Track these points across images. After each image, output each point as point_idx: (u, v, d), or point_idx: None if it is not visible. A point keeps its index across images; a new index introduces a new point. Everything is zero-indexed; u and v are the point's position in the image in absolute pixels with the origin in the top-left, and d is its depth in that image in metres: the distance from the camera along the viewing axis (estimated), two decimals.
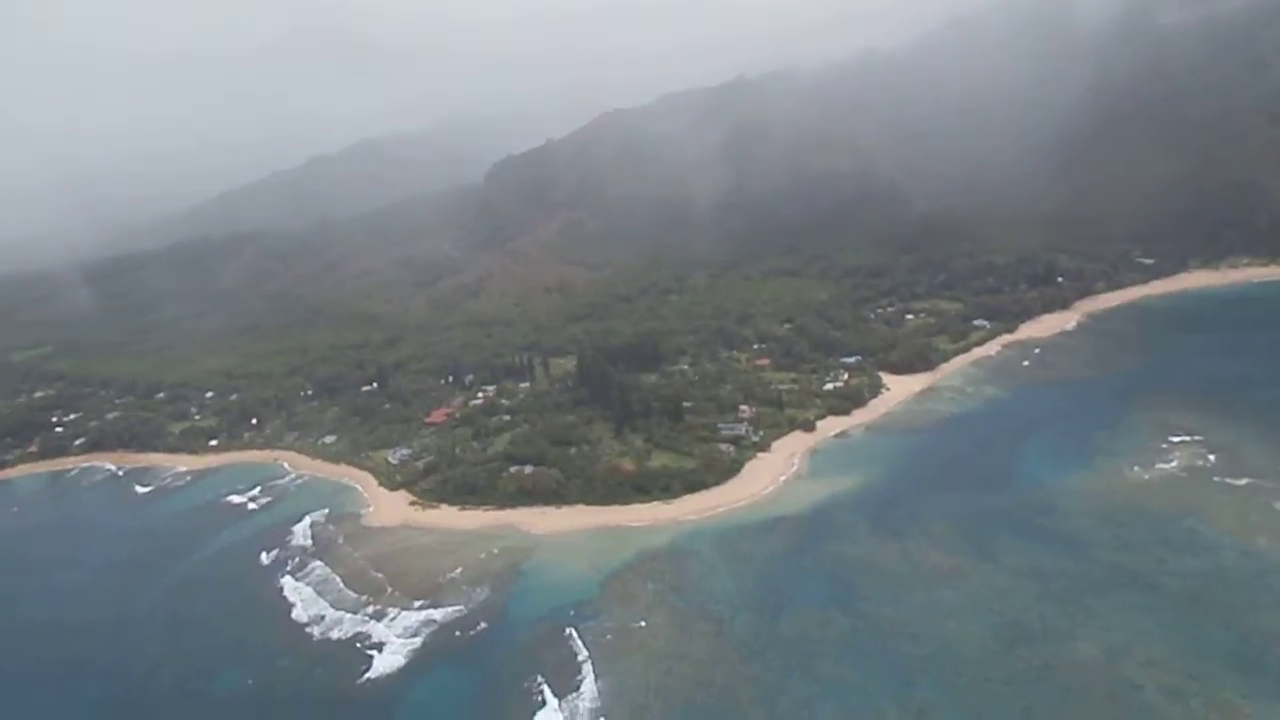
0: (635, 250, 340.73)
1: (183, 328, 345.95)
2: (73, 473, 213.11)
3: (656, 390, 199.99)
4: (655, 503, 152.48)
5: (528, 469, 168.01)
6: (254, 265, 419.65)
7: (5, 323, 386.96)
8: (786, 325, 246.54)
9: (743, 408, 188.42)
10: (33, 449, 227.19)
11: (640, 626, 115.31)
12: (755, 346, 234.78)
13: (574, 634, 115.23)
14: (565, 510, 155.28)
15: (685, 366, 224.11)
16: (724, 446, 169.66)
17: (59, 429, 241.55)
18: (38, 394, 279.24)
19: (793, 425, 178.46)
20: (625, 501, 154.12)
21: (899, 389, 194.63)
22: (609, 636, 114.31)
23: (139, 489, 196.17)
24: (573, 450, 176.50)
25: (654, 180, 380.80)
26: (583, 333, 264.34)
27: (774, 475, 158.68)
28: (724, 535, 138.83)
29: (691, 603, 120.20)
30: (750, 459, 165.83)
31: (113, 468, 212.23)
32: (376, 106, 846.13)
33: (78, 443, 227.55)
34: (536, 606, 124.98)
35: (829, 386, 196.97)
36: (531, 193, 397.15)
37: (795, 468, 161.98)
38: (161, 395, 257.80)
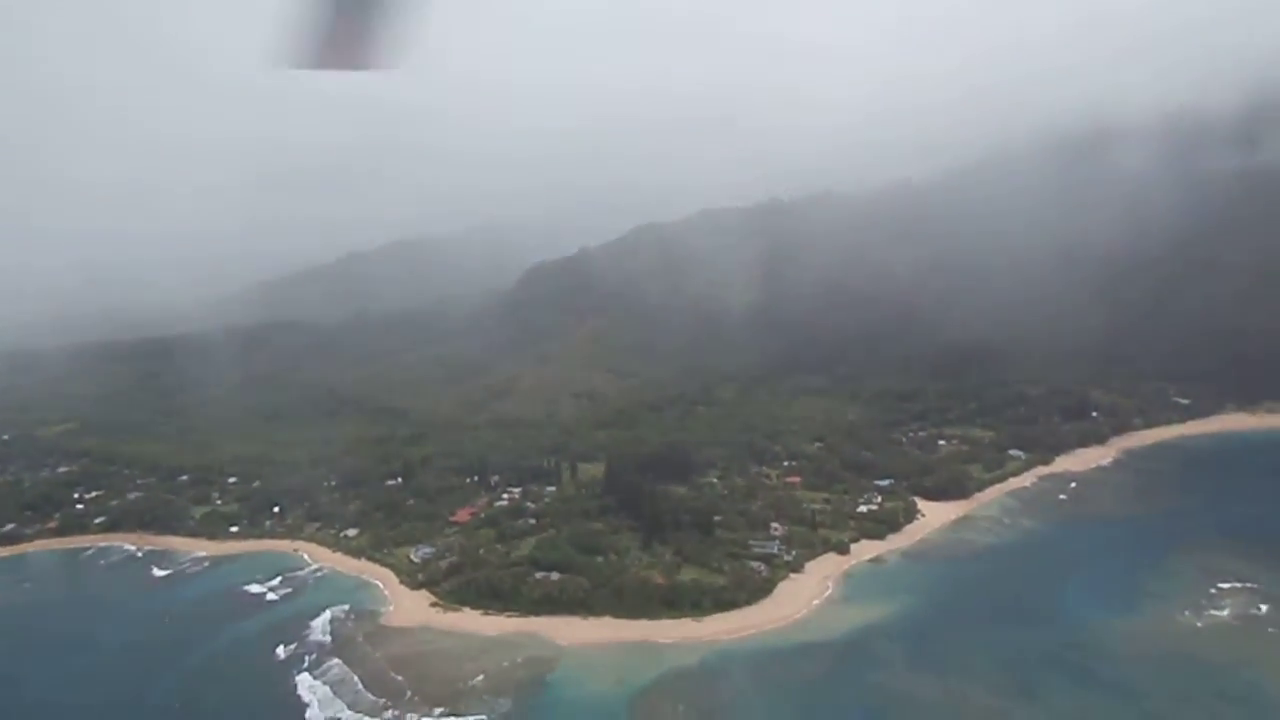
0: (665, 361, 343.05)
1: (209, 411, 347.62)
2: (89, 551, 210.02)
3: (686, 502, 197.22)
4: (685, 619, 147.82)
5: (554, 576, 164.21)
6: (286, 354, 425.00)
7: (36, 397, 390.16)
8: (817, 444, 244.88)
9: (774, 525, 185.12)
10: (51, 525, 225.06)
11: None
12: (785, 463, 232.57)
13: None
14: (592, 621, 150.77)
15: (715, 479, 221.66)
16: (755, 564, 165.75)
17: (79, 506, 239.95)
18: (61, 469, 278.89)
19: (826, 546, 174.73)
20: (654, 616, 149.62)
21: (934, 516, 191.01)
22: None
23: (156, 572, 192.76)
24: (599, 559, 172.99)
25: (687, 293, 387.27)
26: (610, 440, 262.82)
27: (808, 598, 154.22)
28: (757, 659, 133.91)
29: None
30: (783, 579, 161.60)
31: (131, 548, 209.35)
32: (412, 207, 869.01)
33: (98, 521, 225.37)
34: None
35: (862, 509, 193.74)
36: (564, 299, 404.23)
37: (830, 591, 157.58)
38: (184, 478, 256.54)
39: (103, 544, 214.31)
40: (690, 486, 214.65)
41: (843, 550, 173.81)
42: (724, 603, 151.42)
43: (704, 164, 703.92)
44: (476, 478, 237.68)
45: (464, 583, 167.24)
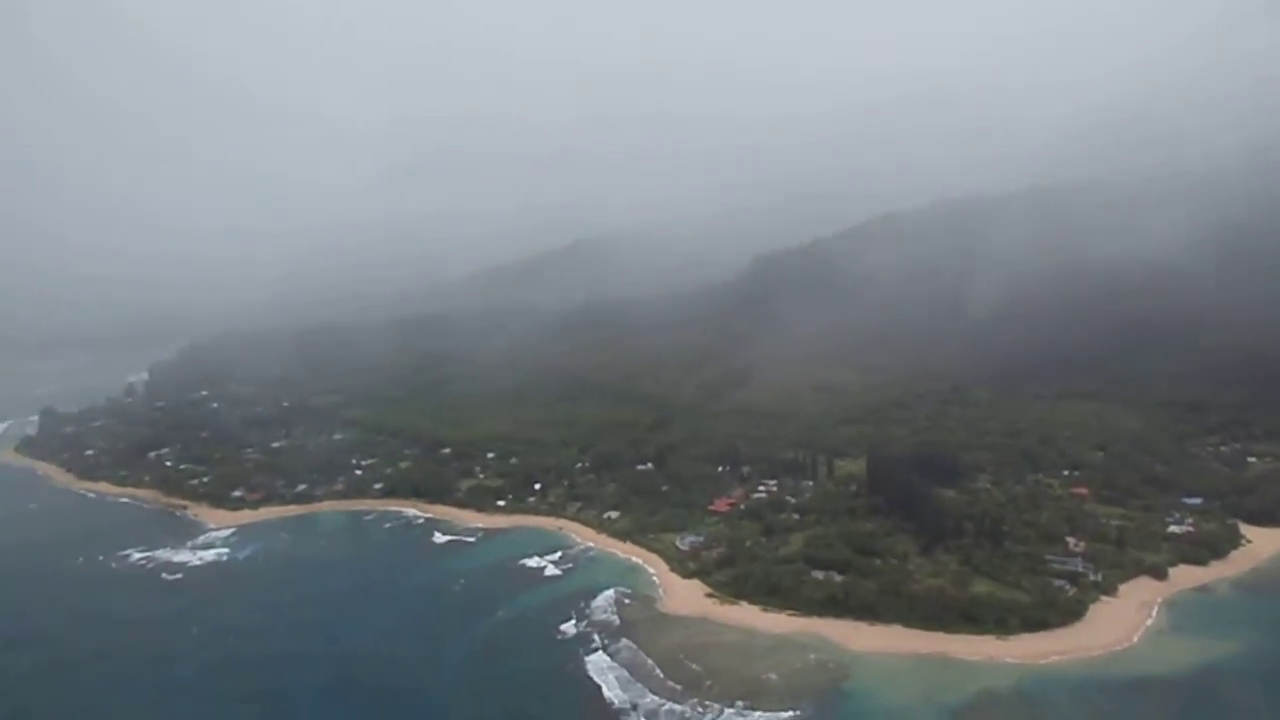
0: (907, 356, 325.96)
1: (458, 389, 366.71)
2: (371, 515, 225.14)
3: (964, 509, 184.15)
4: (987, 636, 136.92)
5: (836, 576, 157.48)
6: (524, 337, 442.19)
7: (307, 370, 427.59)
8: (1099, 453, 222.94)
9: (1070, 540, 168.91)
10: (338, 487, 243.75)
11: None
12: (1065, 473, 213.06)
13: None
14: (880, 628, 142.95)
15: (988, 485, 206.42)
16: (1058, 582, 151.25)
17: (358, 471, 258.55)
18: (337, 436, 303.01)
19: (1138, 569, 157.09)
20: (951, 629, 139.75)
21: (1263, 543, 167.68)
22: None
23: (437, 538, 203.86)
24: (877, 561, 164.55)
25: (928, 286, 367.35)
26: (860, 436, 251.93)
27: (1129, 625, 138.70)
28: (1082, 688, 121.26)
29: None
30: (1093, 601, 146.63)
31: (410, 514, 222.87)
32: (640, 194, 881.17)
33: (376, 486, 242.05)
34: None
35: (1174, 529, 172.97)
36: (797, 289, 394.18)
37: (1153, 620, 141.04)
38: (447, 451, 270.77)
39: (383, 508, 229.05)
40: (960, 491, 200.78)
41: (1159, 574, 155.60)
42: (1031, 622, 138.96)
43: (945, 149, 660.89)
44: (727, 468, 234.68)
45: (738, 576, 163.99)
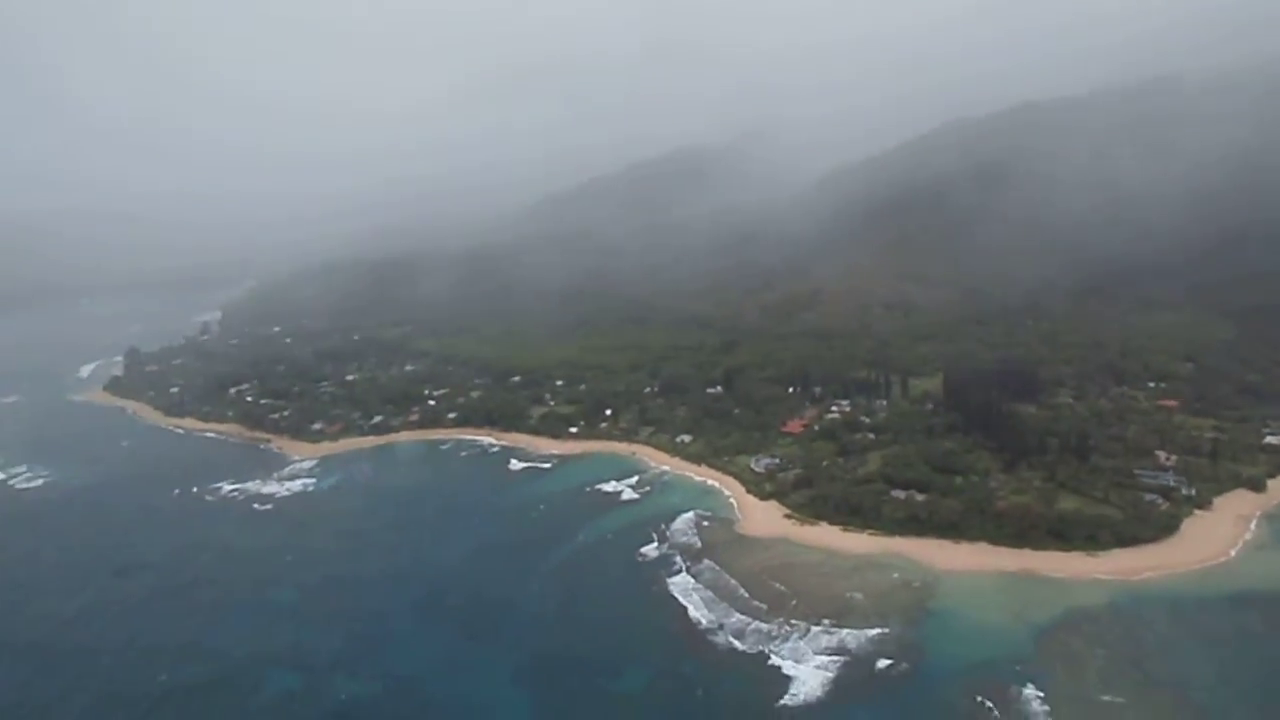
0: (980, 270, 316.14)
1: (523, 317, 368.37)
2: (447, 445, 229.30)
3: (1046, 424, 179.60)
4: (1076, 553, 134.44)
5: (919, 496, 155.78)
6: (583, 263, 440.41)
7: (374, 303, 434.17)
8: (1188, 364, 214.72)
9: (1160, 454, 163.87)
10: (413, 417, 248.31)
11: (1110, 702, 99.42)
12: (1150, 384, 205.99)
13: (1027, 695, 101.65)
14: (964, 546, 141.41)
15: (1070, 400, 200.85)
16: (1149, 497, 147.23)
17: (431, 402, 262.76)
18: (408, 368, 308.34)
19: (1235, 482, 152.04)
20: (1038, 546, 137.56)
21: None
22: (1070, 707, 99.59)
23: (514, 465, 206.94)
24: (958, 480, 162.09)
25: (999, 196, 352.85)
26: (934, 353, 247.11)
27: (1226, 539, 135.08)
28: (1179, 605, 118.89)
29: (1163, 683, 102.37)
30: (1187, 515, 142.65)
31: (485, 442, 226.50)
32: (695, 115, 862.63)
33: (450, 416, 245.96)
34: (961, 653, 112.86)
35: (1270, 440, 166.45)
36: (864, 204, 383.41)
37: (1251, 533, 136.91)
38: (516, 379, 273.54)
39: (458, 437, 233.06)
40: (1041, 406, 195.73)
41: (1256, 487, 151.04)
42: (1123, 538, 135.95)
43: (1019, 49, 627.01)
44: (797, 388, 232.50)
45: (815, 496, 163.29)
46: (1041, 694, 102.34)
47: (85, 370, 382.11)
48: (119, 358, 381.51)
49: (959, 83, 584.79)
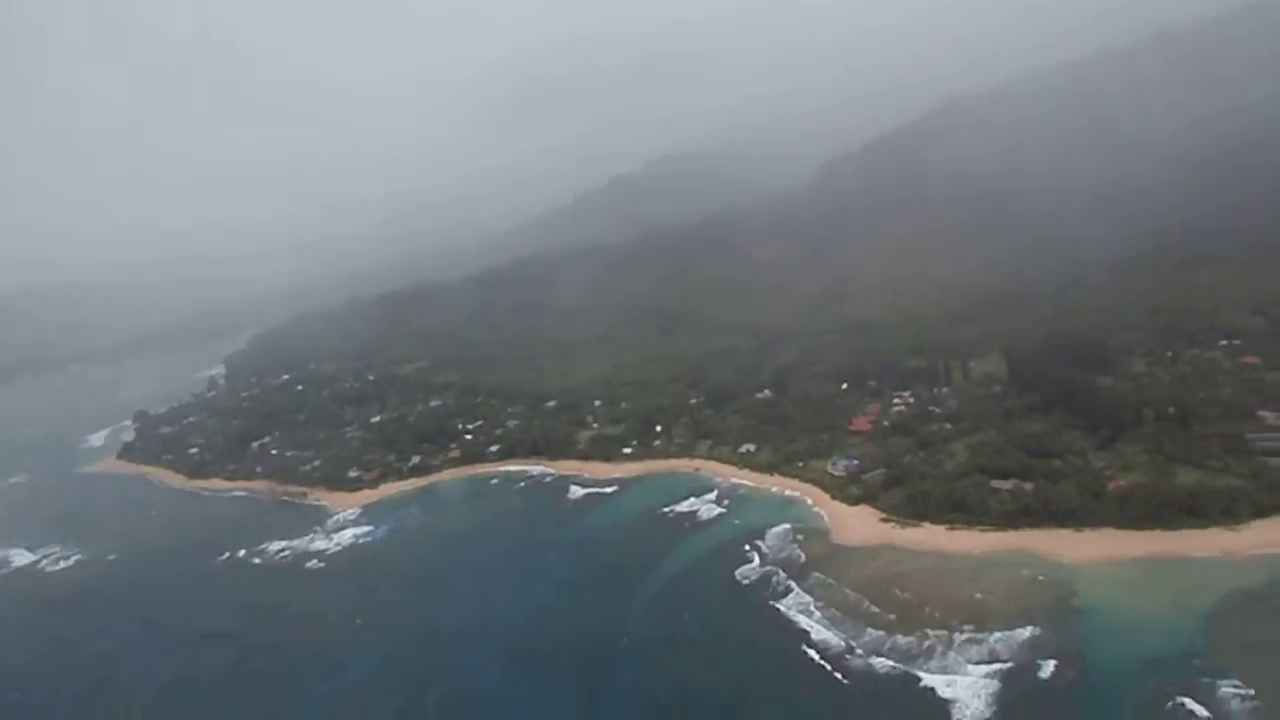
0: (1009, 244, 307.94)
1: (541, 338, 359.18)
2: (496, 479, 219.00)
3: (1136, 394, 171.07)
4: (1215, 529, 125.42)
5: (1026, 485, 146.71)
6: (590, 278, 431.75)
7: (382, 340, 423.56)
8: (1258, 318, 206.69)
9: (1263, 414, 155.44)
10: (454, 454, 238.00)
11: None
12: (1224, 343, 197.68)
13: (1226, 692, 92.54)
14: (1089, 534, 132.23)
15: (1143, 368, 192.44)
16: (1274, 461, 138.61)
17: (468, 436, 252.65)
18: (434, 403, 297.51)
19: None
20: (1169, 526, 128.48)
21: None
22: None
23: (571, 495, 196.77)
24: (1057, 463, 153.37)
25: (1017, 168, 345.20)
26: (981, 333, 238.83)
27: None
28: None
29: None
30: None
31: (536, 472, 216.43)
32: (669, 123, 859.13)
33: (492, 449, 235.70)
34: (1128, 652, 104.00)
35: None
36: (875, 188, 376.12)
37: None
38: (552, 403, 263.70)
39: (505, 470, 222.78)
40: (1117, 377, 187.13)
41: None
42: (1260, 508, 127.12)
43: (1014, 23, 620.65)
44: (851, 384, 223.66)
45: (911, 496, 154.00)
46: (1239, 687, 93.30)
47: (92, 439, 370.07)
48: (127, 422, 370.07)
49: (953, 62, 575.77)
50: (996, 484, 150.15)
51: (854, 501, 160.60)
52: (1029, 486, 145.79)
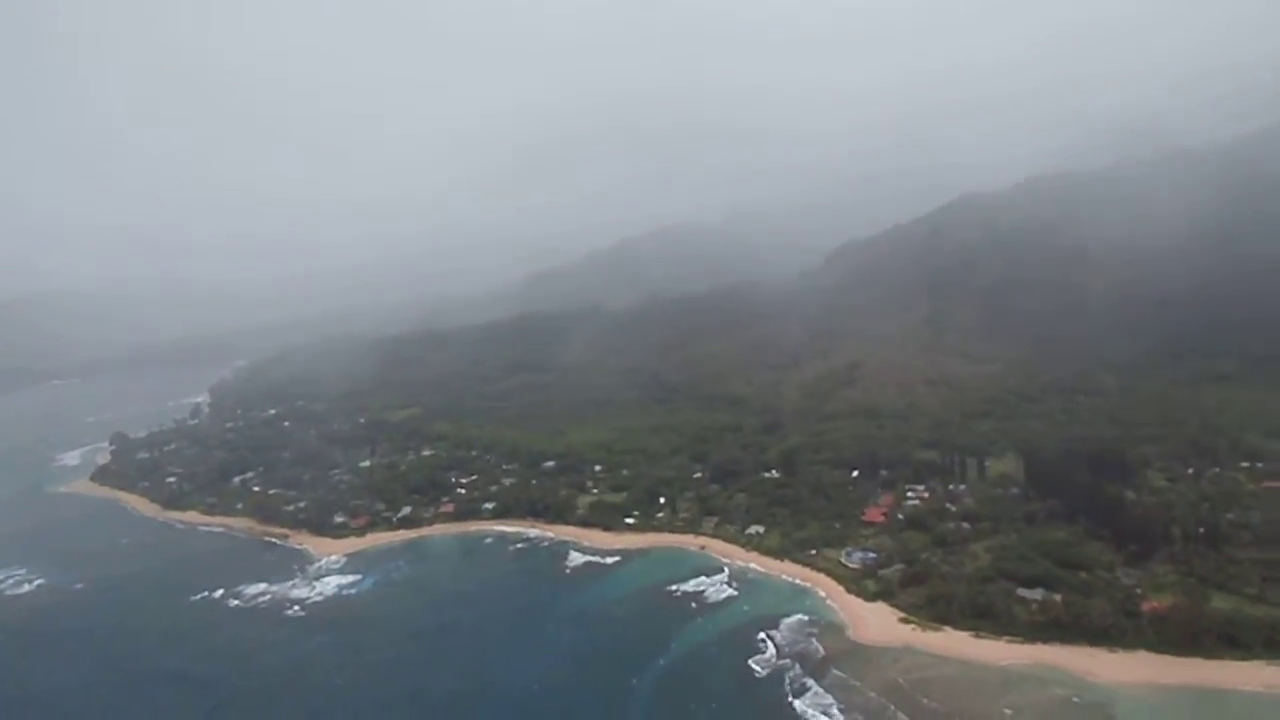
0: (1015, 343, 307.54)
1: (541, 397, 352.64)
2: (490, 539, 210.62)
3: (1161, 510, 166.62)
4: (1258, 662, 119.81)
5: (1055, 597, 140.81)
6: (593, 340, 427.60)
7: (375, 383, 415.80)
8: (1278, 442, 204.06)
9: None
10: (446, 509, 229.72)
11: None
12: (1246, 465, 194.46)
13: None
14: (1123, 656, 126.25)
15: (1163, 482, 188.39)
16: None
17: (460, 490, 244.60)
18: (426, 453, 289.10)
19: None
20: (1210, 655, 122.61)
21: None
22: None
23: (571, 561, 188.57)
24: (1083, 575, 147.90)
25: (1027, 268, 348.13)
26: (994, 431, 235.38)
27: None
28: None
29: None
30: None
31: (534, 535, 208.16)
32: (678, 192, 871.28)
33: (487, 506, 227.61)
34: None
35: None
36: (882, 278, 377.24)
37: None
38: (550, 464, 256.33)
39: (499, 530, 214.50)
40: (1138, 489, 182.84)
41: None
42: None
43: (1025, 132, 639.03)
44: (859, 472, 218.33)
45: (933, 597, 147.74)
46: None
47: (65, 458, 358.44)
48: (104, 444, 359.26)
49: (961, 160, 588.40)
50: (1023, 592, 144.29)
51: (871, 597, 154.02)
52: (1058, 598, 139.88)
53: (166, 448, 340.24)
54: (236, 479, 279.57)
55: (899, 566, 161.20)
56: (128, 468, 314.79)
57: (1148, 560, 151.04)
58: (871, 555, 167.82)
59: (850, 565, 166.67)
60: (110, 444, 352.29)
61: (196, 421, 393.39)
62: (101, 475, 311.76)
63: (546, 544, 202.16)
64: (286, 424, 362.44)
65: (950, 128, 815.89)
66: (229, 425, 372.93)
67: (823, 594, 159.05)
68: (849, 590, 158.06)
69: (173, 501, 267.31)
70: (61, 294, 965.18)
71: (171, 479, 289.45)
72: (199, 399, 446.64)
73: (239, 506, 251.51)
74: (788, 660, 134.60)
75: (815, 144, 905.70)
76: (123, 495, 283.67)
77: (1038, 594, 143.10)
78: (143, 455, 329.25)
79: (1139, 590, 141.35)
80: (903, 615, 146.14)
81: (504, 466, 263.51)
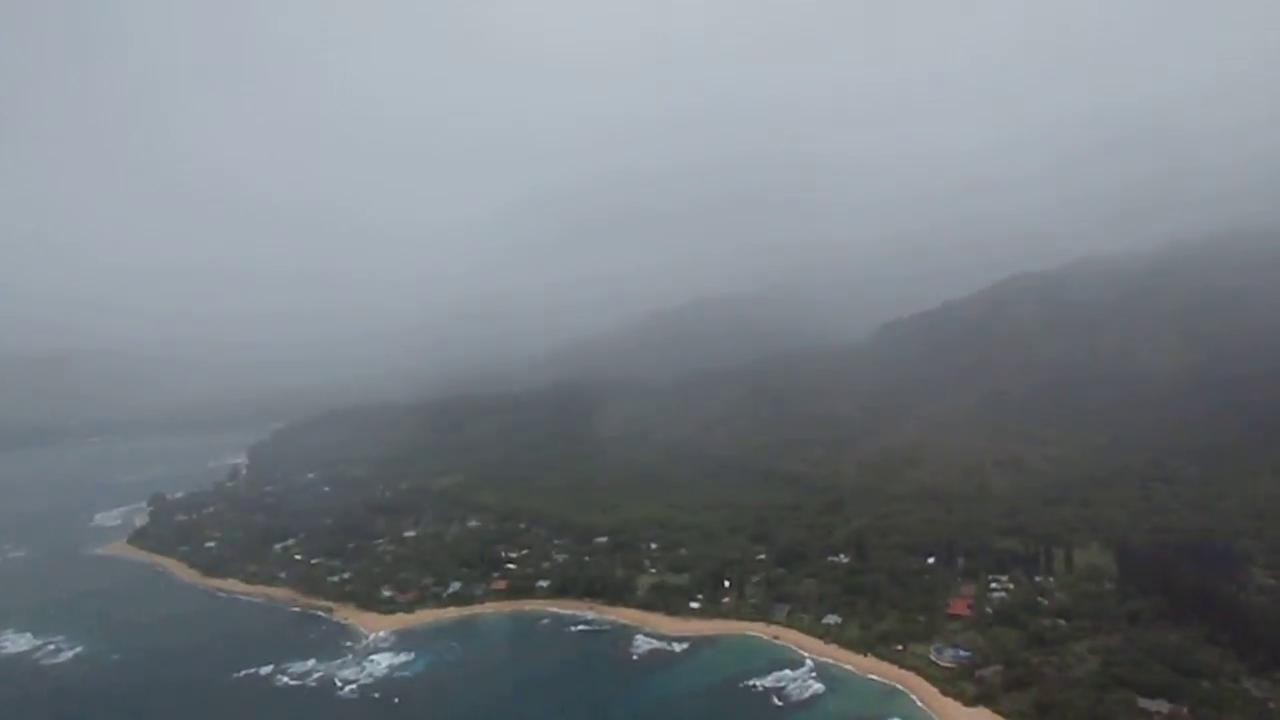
0: (1080, 426, 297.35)
1: (585, 468, 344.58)
2: (546, 619, 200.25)
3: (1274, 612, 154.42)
4: None
5: (1184, 709, 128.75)
6: (635, 412, 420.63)
7: (415, 449, 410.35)
8: None
9: None
10: (499, 586, 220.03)
11: None
12: None
13: None
14: None
15: (1271, 580, 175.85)
16: None
17: (510, 565, 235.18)
18: (472, 523, 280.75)
19: None
20: None
21: None
22: None
23: (636, 647, 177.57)
24: (1204, 684, 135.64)
25: (1085, 350, 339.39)
26: (1075, 519, 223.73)
27: None
28: None
29: None
30: None
31: (592, 617, 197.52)
32: (709, 263, 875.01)
33: (541, 584, 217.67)
34: None
35: None
36: (937, 355, 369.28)
37: None
38: (603, 539, 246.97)
39: (556, 610, 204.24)
40: (1243, 588, 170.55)
41: None
42: None
43: (1075, 211, 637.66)
44: (934, 559, 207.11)
45: (1040, 704, 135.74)
46: None
47: (102, 519, 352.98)
48: (141, 505, 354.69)
49: (1015, 238, 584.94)
50: (1145, 703, 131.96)
51: (971, 701, 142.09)
52: (1185, 710, 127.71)
53: (205, 510, 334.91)
54: (278, 546, 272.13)
55: (997, 667, 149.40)
56: (166, 530, 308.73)
57: (1275, 670, 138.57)
58: (964, 653, 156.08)
59: (942, 664, 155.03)
60: (148, 504, 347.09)
61: (234, 484, 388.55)
62: (140, 538, 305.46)
63: (608, 628, 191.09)
64: (326, 489, 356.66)
65: (987, 203, 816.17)
66: (268, 489, 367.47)
67: (913, 696, 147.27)
68: (944, 692, 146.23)
69: (213, 569, 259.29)
70: (102, 353, 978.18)
71: (211, 544, 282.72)
72: (236, 460, 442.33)
73: (281, 576, 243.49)
74: None
75: (848, 218, 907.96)
76: (161, 560, 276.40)
77: (1162, 705, 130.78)
78: (181, 518, 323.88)
79: (1271, 704, 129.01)
80: None
81: (554, 541, 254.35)
